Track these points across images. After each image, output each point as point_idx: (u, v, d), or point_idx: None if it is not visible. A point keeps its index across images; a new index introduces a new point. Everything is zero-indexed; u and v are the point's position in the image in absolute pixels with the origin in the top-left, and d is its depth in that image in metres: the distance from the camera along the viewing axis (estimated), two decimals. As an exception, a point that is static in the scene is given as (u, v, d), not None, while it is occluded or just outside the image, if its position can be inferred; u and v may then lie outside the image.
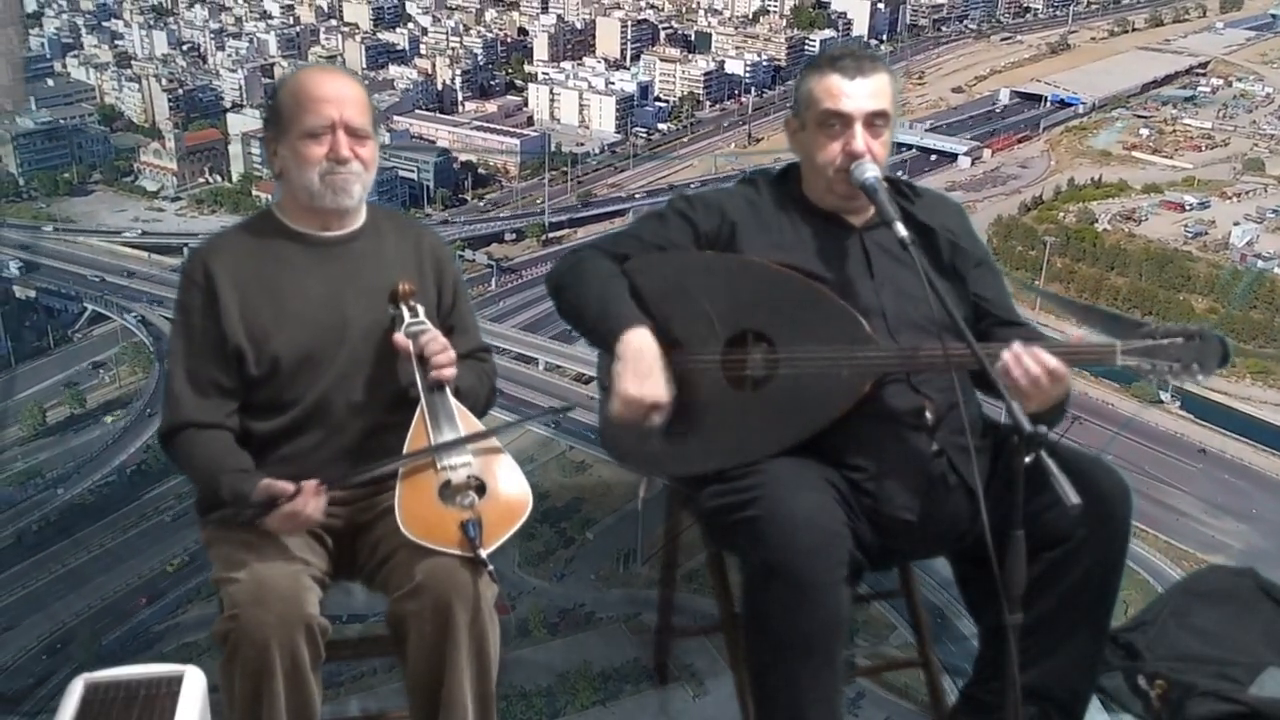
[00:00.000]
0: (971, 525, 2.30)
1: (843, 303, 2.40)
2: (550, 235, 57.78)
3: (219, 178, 61.55)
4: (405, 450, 2.39)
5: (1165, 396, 44.14)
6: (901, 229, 2.31)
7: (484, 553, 2.27)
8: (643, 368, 2.38)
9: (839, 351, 2.37)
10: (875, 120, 2.46)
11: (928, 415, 2.38)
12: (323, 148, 2.43)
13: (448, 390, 2.43)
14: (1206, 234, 53.84)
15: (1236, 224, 53.90)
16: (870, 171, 2.41)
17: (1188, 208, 56.10)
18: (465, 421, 2.43)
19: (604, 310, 2.45)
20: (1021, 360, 2.27)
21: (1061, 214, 55.95)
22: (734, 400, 2.43)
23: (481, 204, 60.73)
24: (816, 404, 2.38)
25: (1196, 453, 42.49)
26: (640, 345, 2.39)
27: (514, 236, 58.04)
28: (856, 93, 2.45)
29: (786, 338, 2.41)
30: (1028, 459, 2.05)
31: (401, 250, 2.57)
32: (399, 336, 2.44)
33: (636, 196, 58.57)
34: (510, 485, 2.40)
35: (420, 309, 2.48)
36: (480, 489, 2.35)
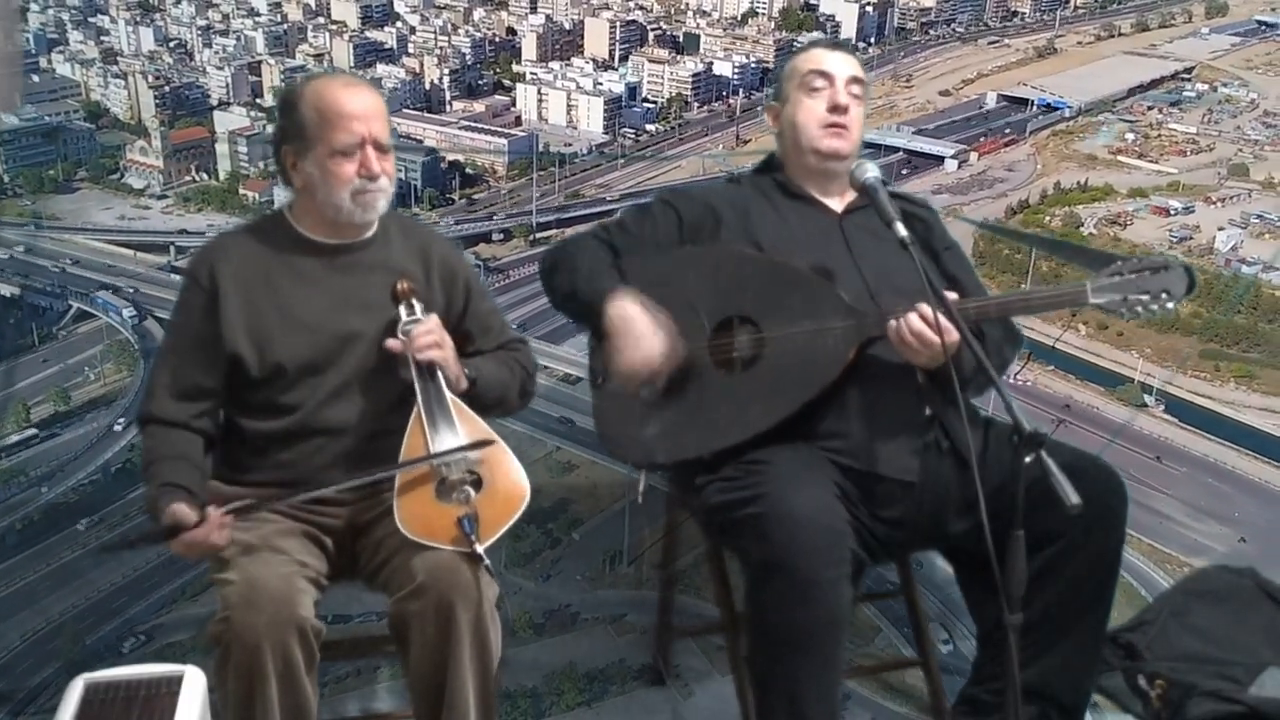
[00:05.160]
0: (969, 504, 2.30)
1: (819, 277, 2.47)
2: (538, 236, 57.75)
3: (205, 176, 61.31)
4: (404, 446, 2.39)
5: (1150, 400, 44.36)
6: (901, 229, 2.34)
7: (480, 548, 2.27)
8: (628, 339, 2.44)
9: (820, 323, 2.43)
10: (852, 86, 2.62)
11: (918, 375, 2.42)
12: (354, 165, 2.42)
13: (443, 384, 2.43)
14: (1191, 239, 54.11)
15: (1221, 229, 54.19)
16: (870, 172, 2.46)
17: (1173, 212, 56.38)
18: (461, 416, 2.42)
19: (588, 287, 2.51)
20: (911, 325, 2.33)
21: (1048, 217, 56.18)
22: (726, 383, 2.48)
23: (469, 204, 60.72)
24: (805, 375, 2.42)
25: (1061, 407, 42.36)
26: (623, 314, 2.45)
27: (501, 236, 57.99)
28: (837, 58, 2.64)
29: (770, 317, 2.47)
30: (1027, 458, 2.05)
31: (409, 257, 2.56)
32: (391, 341, 2.44)
33: (607, 198, 58.62)
34: (507, 478, 2.41)
35: (419, 306, 2.47)
36: (476, 484, 2.36)
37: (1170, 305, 2.31)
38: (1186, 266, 2.33)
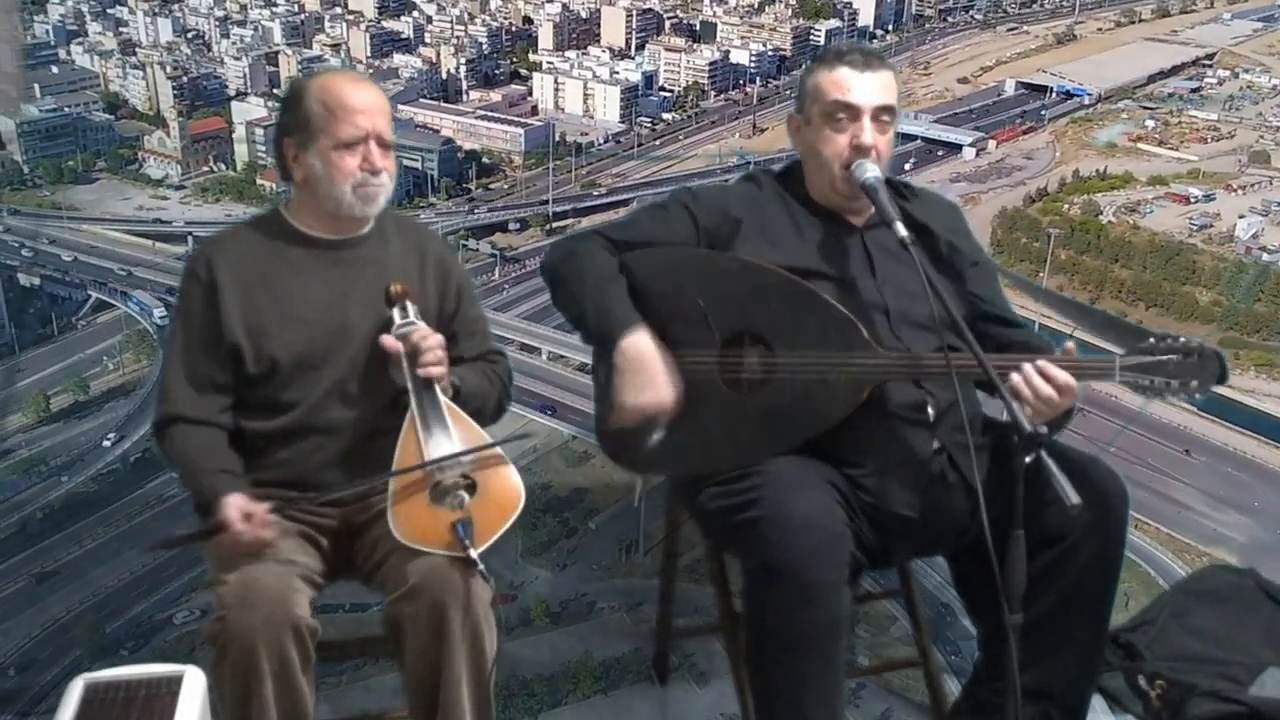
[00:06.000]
0: (971, 523, 2.30)
1: (841, 307, 2.39)
2: (554, 225, 57.75)
3: (223, 166, 61.50)
4: (398, 449, 2.39)
5: (1169, 388, 44.00)
6: (901, 229, 2.31)
7: (474, 553, 2.27)
8: (641, 377, 2.37)
9: (837, 357, 2.36)
10: (882, 115, 2.47)
11: (929, 410, 2.37)
12: (356, 159, 2.43)
13: (437, 389, 2.42)
14: (1212, 226, 53.68)
15: (1242, 216, 53.73)
16: (870, 171, 2.41)
17: (1193, 200, 55.95)
18: (456, 421, 2.41)
19: (600, 311, 2.43)
20: (1032, 381, 2.26)
21: (1066, 206, 55.81)
22: (731, 402, 2.42)
23: (507, 188, 60.62)
24: (814, 409, 2.37)
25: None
26: (638, 352, 2.38)
27: (518, 226, 58.02)
28: (866, 86, 2.46)
29: (783, 340, 2.40)
30: (1027, 459, 2.05)
31: (406, 255, 2.56)
32: (386, 338, 2.43)
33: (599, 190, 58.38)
34: (501, 483, 2.40)
35: (412, 309, 2.47)
36: (471, 488, 2.35)
37: (1198, 396, 2.26)
38: (1219, 355, 2.28)
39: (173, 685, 2.08)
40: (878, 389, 2.37)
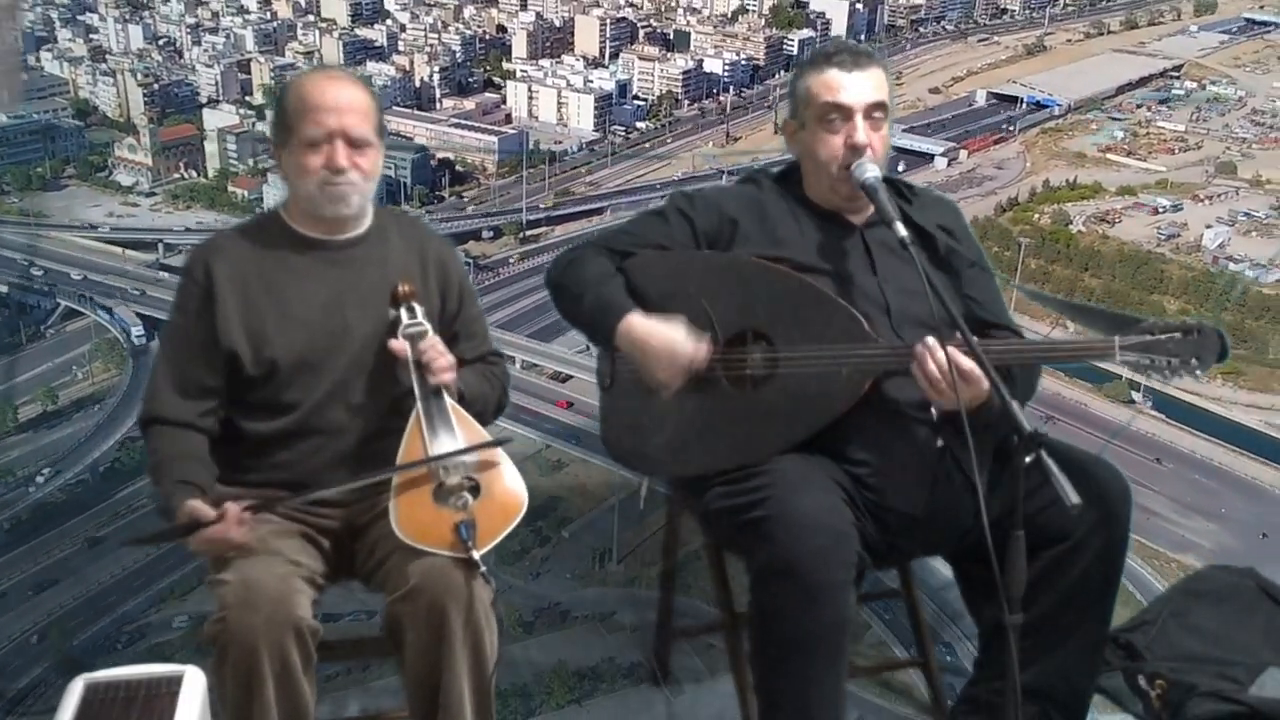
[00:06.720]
0: (974, 522, 2.30)
1: (842, 301, 2.39)
2: (527, 233, 57.77)
3: (194, 173, 61.18)
4: (402, 448, 2.37)
5: (1137, 397, 44.49)
6: (901, 228, 2.31)
7: (477, 554, 2.26)
8: (649, 354, 2.41)
9: (838, 350, 2.36)
10: (874, 112, 2.47)
11: (933, 410, 2.37)
12: (321, 157, 2.40)
13: (445, 395, 2.41)
14: (1179, 236, 54.40)
15: (1209, 226, 54.49)
16: (870, 171, 2.41)
17: (1161, 210, 56.60)
18: (463, 425, 2.40)
19: (596, 310, 2.46)
20: (935, 353, 2.25)
21: (1037, 215, 56.42)
22: (735, 400, 2.42)
23: (466, 201, 60.42)
24: (817, 403, 2.37)
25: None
26: (633, 336, 2.43)
27: (491, 234, 57.96)
28: (856, 85, 2.46)
29: (786, 336, 2.40)
30: (1028, 459, 2.05)
31: (406, 255, 2.54)
32: (394, 341, 2.42)
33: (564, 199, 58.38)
34: (505, 486, 2.39)
35: (419, 310, 2.45)
36: (475, 490, 2.34)
37: (1199, 372, 2.26)
38: (1220, 332, 2.27)
39: (173, 685, 2.05)
40: (880, 385, 2.37)
